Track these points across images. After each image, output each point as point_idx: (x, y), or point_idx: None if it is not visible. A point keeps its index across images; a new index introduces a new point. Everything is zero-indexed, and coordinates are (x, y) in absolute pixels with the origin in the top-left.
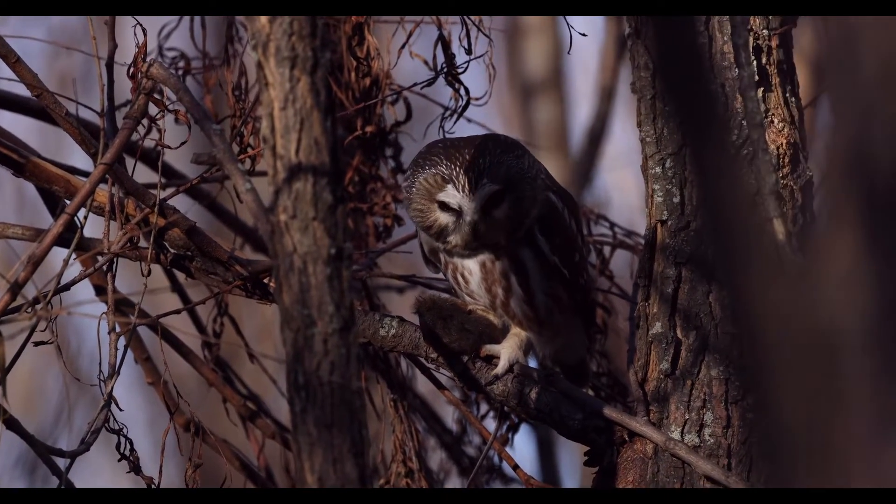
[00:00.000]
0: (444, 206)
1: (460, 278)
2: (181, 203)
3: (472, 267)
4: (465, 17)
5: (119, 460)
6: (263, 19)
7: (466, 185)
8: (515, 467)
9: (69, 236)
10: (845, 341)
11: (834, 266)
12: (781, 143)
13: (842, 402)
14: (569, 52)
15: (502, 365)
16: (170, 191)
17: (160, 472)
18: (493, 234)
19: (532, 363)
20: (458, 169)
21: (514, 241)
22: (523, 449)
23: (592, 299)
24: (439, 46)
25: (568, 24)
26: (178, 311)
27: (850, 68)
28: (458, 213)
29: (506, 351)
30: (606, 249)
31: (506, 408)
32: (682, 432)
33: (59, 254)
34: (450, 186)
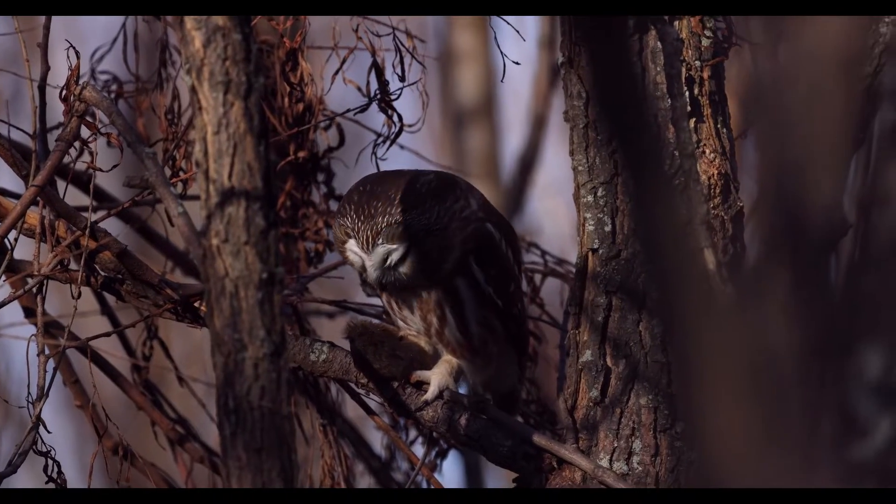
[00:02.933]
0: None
1: (394, 304)
2: (112, 226)
3: (406, 295)
4: (398, 43)
5: (46, 482)
6: (198, 43)
7: (364, 244)
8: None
9: None
10: (775, 371)
11: (765, 297)
12: (713, 174)
13: (770, 432)
14: (502, 81)
15: (432, 391)
16: (101, 214)
17: None
18: (406, 283)
19: (462, 390)
20: (359, 224)
21: (440, 280)
22: (452, 475)
23: (526, 329)
24: (373, 73)
25: (501, 52)
26: (107, 335)
27: (774, 104)
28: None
29: (436, 377)
30: (537, 277)
31: (435, 434)
32: (610, 460)
33: None
34: (352, 241)
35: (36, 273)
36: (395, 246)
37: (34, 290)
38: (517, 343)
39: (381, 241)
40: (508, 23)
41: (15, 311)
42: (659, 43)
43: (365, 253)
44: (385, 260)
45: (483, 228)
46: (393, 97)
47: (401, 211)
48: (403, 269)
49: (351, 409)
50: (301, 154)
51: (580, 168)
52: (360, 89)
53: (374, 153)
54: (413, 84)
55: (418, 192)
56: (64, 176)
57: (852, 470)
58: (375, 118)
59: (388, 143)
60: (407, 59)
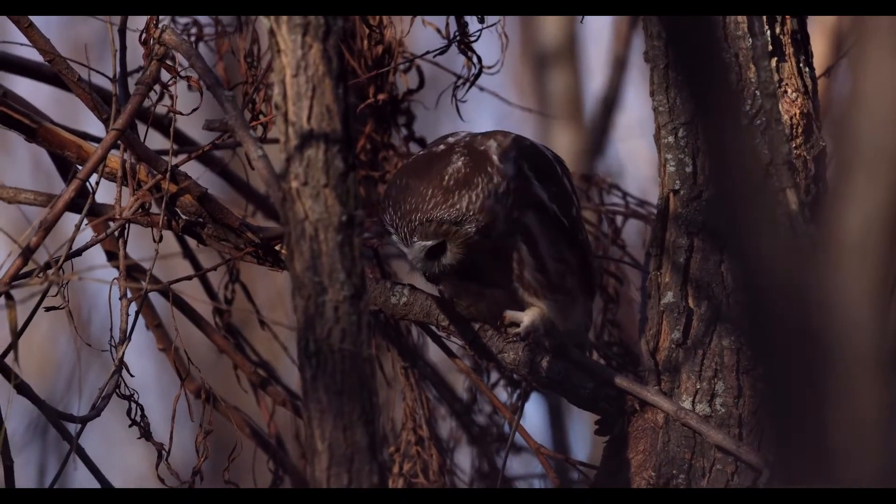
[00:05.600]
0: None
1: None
2: (193, 169)
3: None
4: None
5: (130, 426)
6: None
7: (402, 240)
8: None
9: (81, 202)
10: (854, 312)
11: (845, 236)
12: (795, 113)
13: (848, 377)
14: (581, 22)
15: (525, 325)
16: (182, 157)
17: (171, 438)
18: (453, 270)
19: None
20: (396, 221)
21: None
22: (533, 417)
23: (593, 269)
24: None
25: None
26: (189, 278)
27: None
28: None
29: (529, 316)
30: (619, 219)
31: (516, 376)
32: (693, 402)
33: (70, 219)
34: (394, 235)
35: (118, 217)
36: (430, 243)
37: (116, 233)
38: (586, 279)
39: (416, 238)
40: None
41: (97, 254)
42: None
43: (406, 248)
44: (425, 254)
45: (528, 143)
46: (472, 39)
47: (431, 207)
48: (446, 260)
49: (432, 352)
50: (380, 97)
51: (661, 108)
52: (439, 31)
53: (453, 95)
54: (493, 26)
55: (447, 185)
56: (144, 119)
57: None
58: (456, 60)
59: (467, 85)
60: None
